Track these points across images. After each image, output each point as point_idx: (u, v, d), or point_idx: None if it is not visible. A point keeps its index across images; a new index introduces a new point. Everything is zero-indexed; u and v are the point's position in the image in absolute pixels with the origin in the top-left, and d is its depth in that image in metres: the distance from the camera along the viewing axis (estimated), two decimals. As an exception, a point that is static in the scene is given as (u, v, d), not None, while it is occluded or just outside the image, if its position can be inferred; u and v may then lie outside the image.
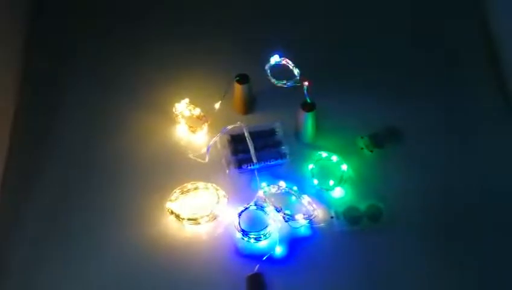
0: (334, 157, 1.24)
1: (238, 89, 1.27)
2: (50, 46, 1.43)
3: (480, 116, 1.34)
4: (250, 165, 1.21)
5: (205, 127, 1.27)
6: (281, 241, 1.12)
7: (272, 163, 1.23)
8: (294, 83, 1.21)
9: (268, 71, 1.28)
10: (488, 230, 1.16)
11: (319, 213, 1.16)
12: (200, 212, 1.14)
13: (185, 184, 1.18)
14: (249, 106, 1.31)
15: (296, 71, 1.25)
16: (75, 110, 1.31)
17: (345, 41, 1.48)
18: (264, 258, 1.09)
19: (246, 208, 1.15)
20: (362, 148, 1.26)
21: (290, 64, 1.25)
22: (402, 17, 1.54)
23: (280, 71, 1.26)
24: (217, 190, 1.18)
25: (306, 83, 1.19)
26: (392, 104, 1.35)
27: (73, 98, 1.33)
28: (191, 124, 1.27)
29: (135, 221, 1.15)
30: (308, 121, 1.23)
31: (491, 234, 1.16)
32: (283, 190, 1.19)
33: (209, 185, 1.18)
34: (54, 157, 1.23)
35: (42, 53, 1.41)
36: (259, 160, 1.21)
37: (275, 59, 1.26)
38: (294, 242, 1.13)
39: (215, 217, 1.15)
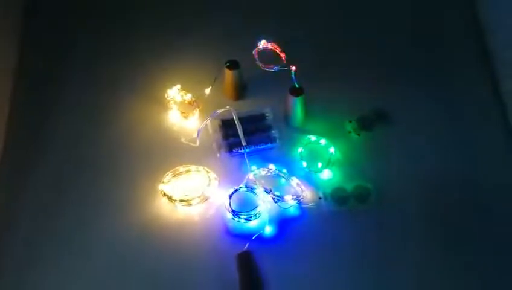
0: (323, 141, 1.27)
1: (228, 74, 1.28)
2: (44, 44, 1.44)
3: (469, 105, 1.34)
4: (241, 149, 1.23)
5: (197, 112, 1.30)
6: (271, 221, 1.15)
7: (262, 147, 1.25)
8: (281, 67, 1.23)
9: (256, 56, 1.30)
10: (474, 209, 1.19)
11: (308, 194, 1.19)
12: (192, 194, 1.17)
13: (177, 167, 1.21)
14: (240, 91, 1.33)
15: (283, 56, 1.27)
16: (69, 102, 1.33)
17: (339, 37, 1.48)
18: (254, 237, 1.13)
19: (237, 190, 1.18)
20: (350, 132, 1.29)
21: (277, 49, 1.27)
22: (402, 17, 1.53)
23: (268, 56, 1.28)
24: (208, 172, 1.21)
25: (293, 68, 1.21)
26: (381, 90, 1.36)
27: (66, 92, 1.35)
28: (182, 110, 1.30)
29: (130, 206, 1.17)
30: (297, 106, 1.25)
31: (477, 214, 1.18)
32: (273, 173, 1.22)
33: (201, 168, 1.21)
34: (48, 152, 1.25)
35: (36, 51, 1.43)
36: (249, 144, 1.23)
37: (262, 44, 1.28)
38: (283, 222, 1.16)
39: (206, 199, 1.18)
